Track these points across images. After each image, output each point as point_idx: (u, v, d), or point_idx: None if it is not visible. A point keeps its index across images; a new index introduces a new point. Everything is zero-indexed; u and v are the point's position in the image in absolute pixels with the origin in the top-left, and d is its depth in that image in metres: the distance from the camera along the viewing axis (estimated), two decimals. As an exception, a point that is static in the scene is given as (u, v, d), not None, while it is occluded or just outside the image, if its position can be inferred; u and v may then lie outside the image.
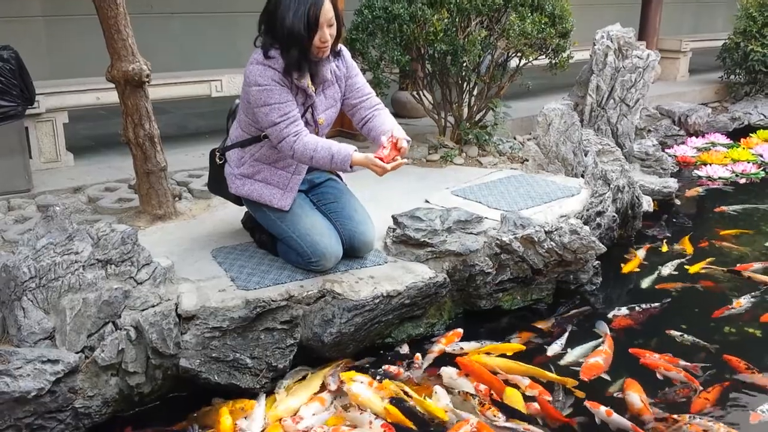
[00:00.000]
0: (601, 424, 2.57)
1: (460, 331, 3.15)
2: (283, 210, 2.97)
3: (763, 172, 5.74)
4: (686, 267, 3.87)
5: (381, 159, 2.77)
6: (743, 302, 3.44)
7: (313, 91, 2.91)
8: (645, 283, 3.73)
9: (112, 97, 3.69)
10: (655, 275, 3.78)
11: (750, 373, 2.94)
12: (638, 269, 3.88)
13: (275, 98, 2.78)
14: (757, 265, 3.88)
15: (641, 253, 4.06)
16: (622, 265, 3.90)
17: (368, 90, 3.10)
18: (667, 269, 3.82)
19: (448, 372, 2.80)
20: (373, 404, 2.57)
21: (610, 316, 3.34)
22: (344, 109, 3.10)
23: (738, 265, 3.90)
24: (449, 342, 3.07)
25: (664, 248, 4.14)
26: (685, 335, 3.20)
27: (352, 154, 2.78)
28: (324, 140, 2.83)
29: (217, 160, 3.12)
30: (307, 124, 2.93)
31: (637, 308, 3.41)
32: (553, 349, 3.03)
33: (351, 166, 2.79)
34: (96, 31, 3.29)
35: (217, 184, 3.18)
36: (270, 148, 2.94)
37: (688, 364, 2.95)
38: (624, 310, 3.38)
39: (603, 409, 2.60)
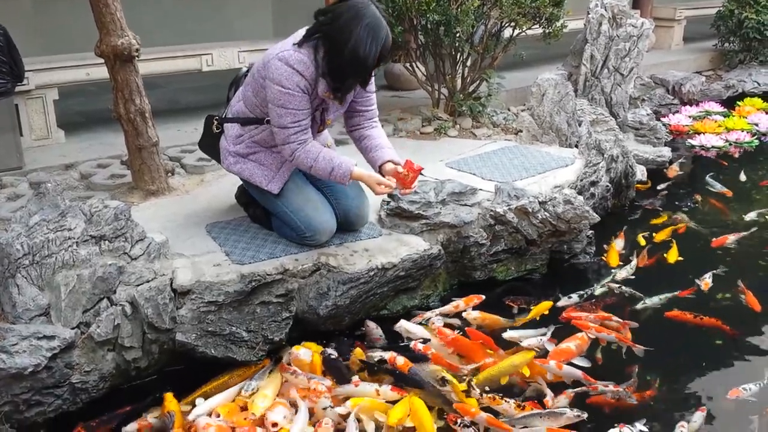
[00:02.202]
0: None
1: (482, 296, 3.17)
2: (272, 192, 2.96)
3: (757, 141, 5.73)
4: (665, 255, 3.67)
5: (400, 179, 2.85)
6: (710, 282, 3.39)
7: (332, 100, 2.88)
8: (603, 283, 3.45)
9: (102, 72, 3.66)
10: (609, 277, 3.46)
11: (698, 320, 3.02)
12: (621, 262, 3.60)
13: (294, 104, 2.74)
14: (732, 237, 3.86)
15: (619, 243, 3.79)
16: (603, 257, 3.66)
17: (374, 102, 3.07)
18: (623, 272, 3.49)
19: (405, 326, 2.86)
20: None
21: (560, 305, 3.19)
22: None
23: (714, 239, 3.87)
24: (468, 302, 3.10)
25: (642, 241, 3.85)
26: (624, 287, 3.29)
27: (353, 169, 2.80)
28: (326, 151, 2.82)
29: (214, 129, 3.09)
30: (314, 121, 2.89)
31: (586, 296, 3.28)
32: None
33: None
34: (84, 6, 3.25)
35: (209, 147, 3.18)
36: (270, 134, 2.92)
37: (620, 321, 3.02)
38: (575, 298, 3.24)
39: (553, 363, 2.64)
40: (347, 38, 2.63)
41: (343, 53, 2.65)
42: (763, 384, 2.62)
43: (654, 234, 3.93)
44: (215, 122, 3.08)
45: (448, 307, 3.10)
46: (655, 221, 4.18)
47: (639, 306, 3.18)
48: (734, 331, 2.99)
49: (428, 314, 3.06)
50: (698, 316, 3.05)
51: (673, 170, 5.03)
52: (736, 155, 5.47)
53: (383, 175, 2.92)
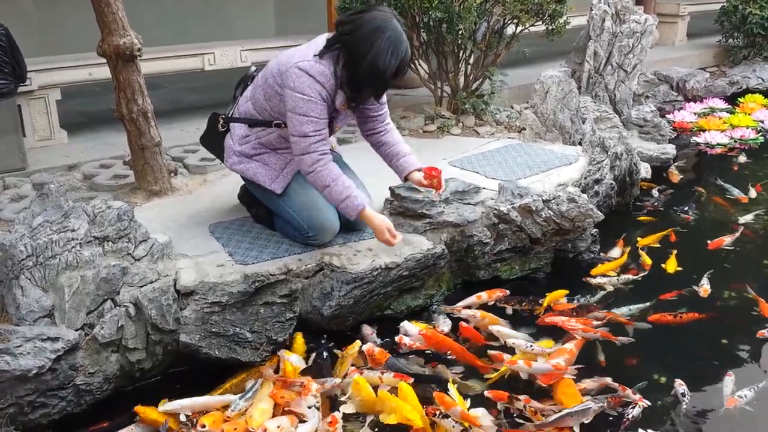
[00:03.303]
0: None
1: (506, 290, 3.21)
2: (275, 192, 2.95)
3: (762, 138, 5.70)
4: (664, 266, 3.53)
5: (429, 186, 3.00)
6: (708, 288, 3.30)
7: (345, 110, 2.88)
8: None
9: (104, 72, 3.66)
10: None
11: (678, 319, 3.02)
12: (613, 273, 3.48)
13: (315, 112, 2.72)
14: (728, 240, 3.78)
15: (617, 251, 3.67)
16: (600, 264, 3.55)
17: (386, 105, 3.08)
18: (606, 280, 3.39)
19: (405, 326, 2.86)
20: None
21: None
22: (356, 115, 3.05)
23: (710, 242, 3.77)
24: (491, 295, 3.15)
25: (647, 260, 3.58)
26: (600, 278, 3.31)
27: (365, 208, 2.79)
28: (345, 178, 2.79)
29: (220, 128, 3.07)
30: None
31: (575, 301, 3.22)
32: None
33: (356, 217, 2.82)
34: (86, 5, 3.24)
35: (211, 144, 3.17)
36: (278, 137, 2.91)
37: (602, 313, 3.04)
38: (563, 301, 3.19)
39: (521, 362, 2.64)
40: (367, 49, 2.64)
41: (361, 64, 2.66)
42: (758, 387, 2.58)
43: (639, 239, 3.80)
44: (221, 120, 3.07)
45: (472, 299, 3.12)
46: (643, 218, 4.13)
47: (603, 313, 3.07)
48: (714, 314, 3.03)
49: (468, 302, 3.10)
50: (677, 314, 3.04)
51: (674, 175, 4.86)
52: (739, 157, 5.32)
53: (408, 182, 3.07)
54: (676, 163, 4.99)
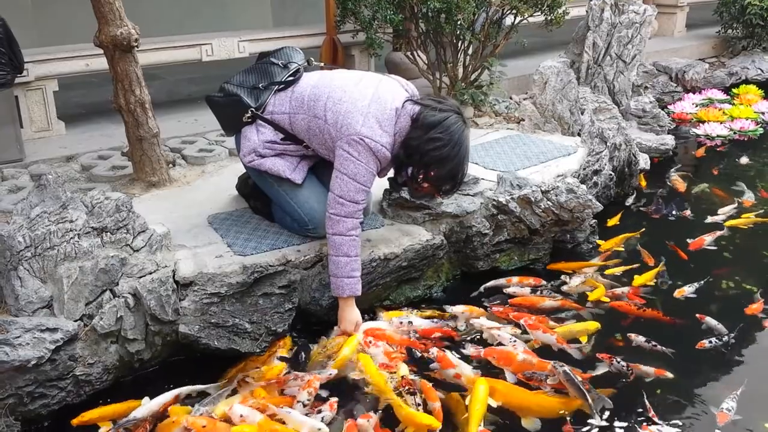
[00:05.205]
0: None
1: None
2: (295, 182, 2.92)
3: (761, 129, 5.69)
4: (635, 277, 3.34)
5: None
6: (686, 290, 3.20)
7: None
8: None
9: (101, 63, 3.64)
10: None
11: (641, 312, 3.01)
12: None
13: (370, 183, 2.75)
14: (709, 239, 3.70)
15: (600, 280, 3.36)
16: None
17: None
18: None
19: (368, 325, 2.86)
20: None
21: (510, 291, 3.17)
22: None
23: (690, 242, 3.67)
24: (522, 281, 3.24)
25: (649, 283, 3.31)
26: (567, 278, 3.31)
27: (348, 296, 2.75)
28: (358, 260, 2.76)
29: (245, 119, 2.92)
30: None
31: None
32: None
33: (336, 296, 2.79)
34: (82, -4, 3.23)
35: (223, 116, 3.05)
36: (301, 153, 2.92)
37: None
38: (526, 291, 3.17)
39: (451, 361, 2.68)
40: (451, 161, 2.72)
41: (441, 173, 2.75)
42: (738, 394, 2.50)
43: (601, 242, 3.67)
44: (251, 112, 2.91)
45: (501, 281, 3.24)
46: (611, 221, 3.94)
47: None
48: (672, 319, 2.98)
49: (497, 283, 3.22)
50: (641, 308, 3.03)
51: (679, 182, 4.56)
52: (741, 158, 5.12)
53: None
54: (675, 176, 4.68)
